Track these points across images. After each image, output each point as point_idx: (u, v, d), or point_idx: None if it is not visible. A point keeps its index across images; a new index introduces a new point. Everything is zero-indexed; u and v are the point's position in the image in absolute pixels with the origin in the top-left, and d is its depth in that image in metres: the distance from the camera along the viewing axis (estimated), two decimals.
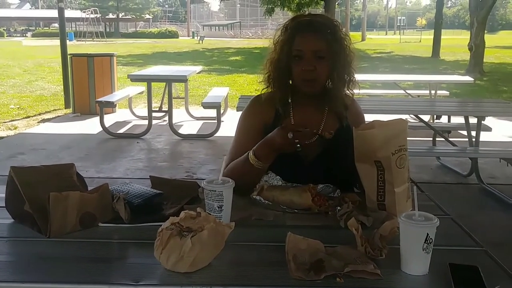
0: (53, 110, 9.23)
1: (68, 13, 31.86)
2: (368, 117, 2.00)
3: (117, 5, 55.81)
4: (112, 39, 41.52)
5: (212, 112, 7.14)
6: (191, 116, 8.46)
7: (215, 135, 6.87)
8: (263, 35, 44.59)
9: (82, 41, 35.91)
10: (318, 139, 1.82)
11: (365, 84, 8.62)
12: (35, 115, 8.71)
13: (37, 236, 1.43)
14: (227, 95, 8.39)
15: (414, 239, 1.22)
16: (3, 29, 54.25)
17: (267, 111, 1.94)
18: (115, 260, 1.35)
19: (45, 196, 1.41)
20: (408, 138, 1.61)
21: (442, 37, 23.33)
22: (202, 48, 29.21)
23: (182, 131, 7.26)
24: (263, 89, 1.99)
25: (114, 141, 6.80)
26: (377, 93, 8.40)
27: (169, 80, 7.27)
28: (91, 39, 37.90)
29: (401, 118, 1.62)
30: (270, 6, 24.09)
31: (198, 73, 9.78)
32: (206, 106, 6.93)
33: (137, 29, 59.04)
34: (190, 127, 7.72)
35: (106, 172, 5.34)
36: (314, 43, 1.83)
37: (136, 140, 6.82)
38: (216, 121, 6.91)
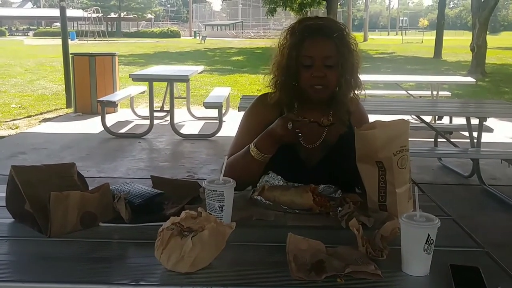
0: (54, 110, 9.24)
1: (70, 12, 31.89)
2: (370, 118, 2.00)
3: (119, 5, 55.82)
4: (114, 39, 41.53)
5: (214, 112, 7.14)
6: (193, 116, 8.46)
7: (216, 135, 6.87)
8: (265, 35, 44.62)
9: (84, 40, 35.93)
10: (322, 143, 1.83)
11: (367, 84, 8.56)
12: (36, 115, 8.71)
13: (38, 235, 1.43)
14: (228, 95, 8.39)
15: (415, 240, 1.22)
16: (5, 28, 54.36)
17: (271, 112, 1.93)
18: (116, 260, 1.34)
19: (45, 195, 1.42)
20: (409, 139, 1.61)
21: (444, 38, 23.31)
22: (204, 48, 29.20)
23: (183, 131, 7.26)
24: (266, 86, 1.97)
25: (116, 140, 6.81)
26: (379, 93, 8.39)
27: (170, 80, 7.27)
28: (93, 39, 37.91)
29: (402, 119, 1.62)
30: (272, 6, 24.06)
31: (200, 73, 9.78)
32: (208, 106, 6.93)
33: (139, 29, 59.04)
34: (191, 127, 7.72)
35: (107, 171, 5.34)
36: (325, 49, 1.81)
37: (138, 140, 6.82)
38: (217, 121, 6.91)
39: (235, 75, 15.32)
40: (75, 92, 8.77)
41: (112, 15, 56.08)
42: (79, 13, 46.88)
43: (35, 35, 48.81)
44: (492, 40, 22.65)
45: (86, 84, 8.59)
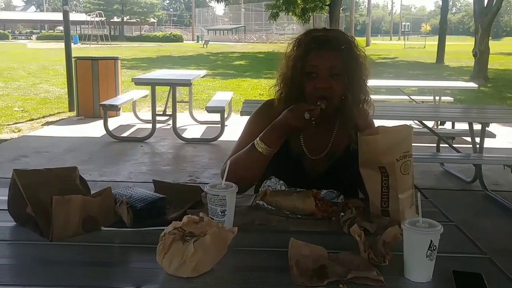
0: (57, 113, 9.26)
1: (73, 16, 32.02)
2: None
3: (122, 9, 56.05)
4: (117, 43, 41.61)
5: (216, 116, 7.15)
6: (195, 120, 8.47)
7: (218, 139, 6.87)
8: (267, 40, 44.65)
9: (87, 44, 36.02)
10: (327, 154, 1.85)
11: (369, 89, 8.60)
12: (39, 118, 8.73)
13: (39, 239, 1.43)
14: (231, 100, 8.39)
15: (418, 246, 1.22)
16: (8, 32, 54.54)
17: (276, 118, 1.92)
18: (117, 264, 1.34)
19: (47, 199, 1.41)
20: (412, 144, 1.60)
21: (446, 43, 23.32)
22: (207, 52, 29.27)
23: (186, 135, 7.26)
24: (271, 86, 1.95)
25: (118, 144, 6.81)
26: (381, 98, 8.38)
27: (173, 84, 7.28)
28: (95, 43, 38.00)
29: (405, 124, 1.62)
30: (275, 11, 24.10)
31: (203, 77, 9.81)
32: (210, 110, 6.94)
33: (142, 33, 59.16)
34: (194, 131, 7.72)
35: (109, 175, 5.35)
36: (330, 60, 1.77)
37: (140, 144, 6.83)
38: (220, 125, 6.92)
39: (237, 79, 15.34)
40: (78, 96, 8.79)
41: (115, 19, 56.30)
42: (82, 17, 47.10)
43: (38, 38, 48.96)
44: (494, 45, 22.64)
45: (88, 88, 8.61)
